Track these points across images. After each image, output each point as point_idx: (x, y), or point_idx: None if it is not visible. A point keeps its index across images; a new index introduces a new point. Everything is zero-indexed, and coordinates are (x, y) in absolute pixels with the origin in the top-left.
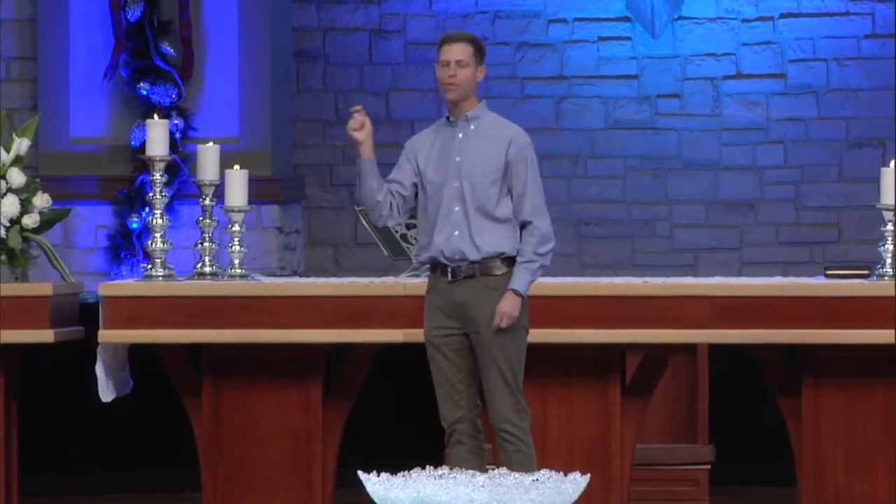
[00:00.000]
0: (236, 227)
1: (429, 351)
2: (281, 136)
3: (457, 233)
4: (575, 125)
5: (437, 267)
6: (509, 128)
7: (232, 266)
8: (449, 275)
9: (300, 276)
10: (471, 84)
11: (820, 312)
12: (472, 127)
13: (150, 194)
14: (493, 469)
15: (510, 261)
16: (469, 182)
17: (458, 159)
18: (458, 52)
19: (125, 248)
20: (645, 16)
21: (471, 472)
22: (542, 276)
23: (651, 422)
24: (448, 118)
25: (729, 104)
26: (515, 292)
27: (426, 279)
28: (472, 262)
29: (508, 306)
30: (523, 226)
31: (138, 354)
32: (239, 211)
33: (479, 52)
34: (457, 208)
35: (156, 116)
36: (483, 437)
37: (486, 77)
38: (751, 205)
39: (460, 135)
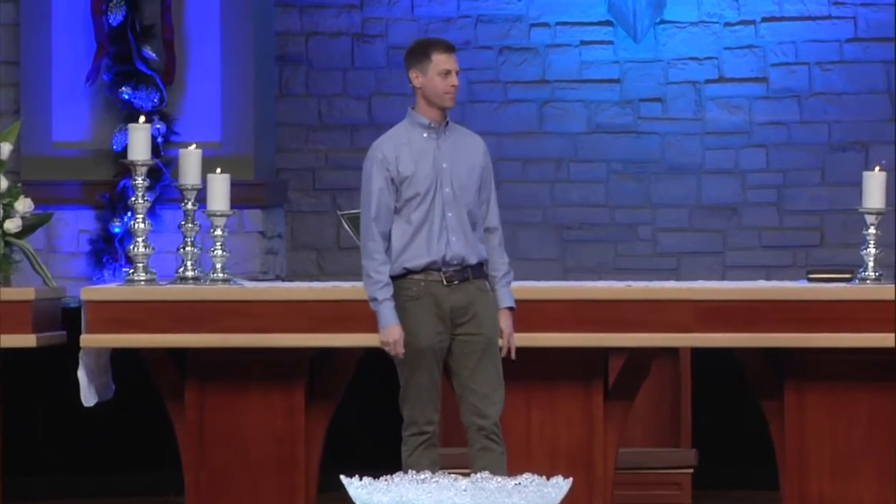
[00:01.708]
0: (218, 232)
1: (423, 358)
2: (264, 140)
3: (454, 238)
4: (558, 129)
5: (426, 273)
6: (474, 135)
7: (214, 270)
8: (444, 280)
9: (283, 280)
10: None
11: (803, 316)
12: (447, 134)
13: (133, 199)
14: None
15: (484, 264)
16: (461, 189)
17: (445, 165)
18: (456, 61)
19: (107, 252)
20: (627, 20)
21: (452, 476)
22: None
23: (634, 425)
24: (429, 124)
25: (711, 108)
26: (511, 309)
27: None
28: (467, 267)
29: (512, 326)
30: (488, 231)
31: (121, 359)
32: (221, 215)
33: None
34: (450, 214)
35: (140, 120)
36: None
37: (468, 81)
38: (734, 209)
39: (439, 142)
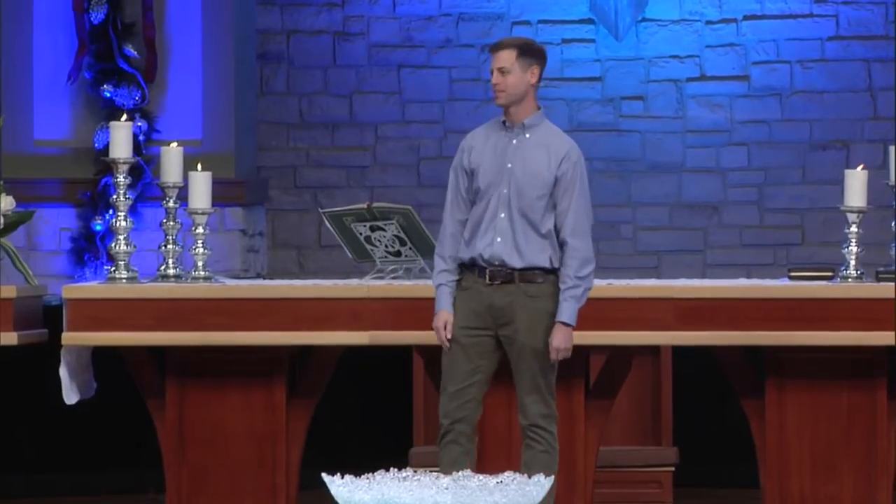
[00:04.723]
0: (200, 230)
1: (451, 347)
2: (244, 138)
3: (499, 239)
4: None
5: (473, 268)
6: (564, 141)
7: (195, 268)
8: (487, 277)
9: (264, 278)
10: (520, 89)
11: (784, 314)
12: (527, 135)
13: (114, 197)
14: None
15: (550, 271)
16: (517, 191)
17: (509, 166)
18: (501, 59)
19: (89, 250)
20: (608, 18)
21: (434, 473)
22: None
23: (615, 424)
24: (504, 122)
25: (692, 106)
26: (565, 324)
27: (390, 281)
28: (512, 270)
29: (563, 341)
30: (562, 244)
31: (102, 357)
32: (202, 213)
33: (527, 55)
34: (502, 215)
35: (122, 118)
36: (476, 440)
37: (450, 79)
38: (714, 207)
39: (514, 141)
